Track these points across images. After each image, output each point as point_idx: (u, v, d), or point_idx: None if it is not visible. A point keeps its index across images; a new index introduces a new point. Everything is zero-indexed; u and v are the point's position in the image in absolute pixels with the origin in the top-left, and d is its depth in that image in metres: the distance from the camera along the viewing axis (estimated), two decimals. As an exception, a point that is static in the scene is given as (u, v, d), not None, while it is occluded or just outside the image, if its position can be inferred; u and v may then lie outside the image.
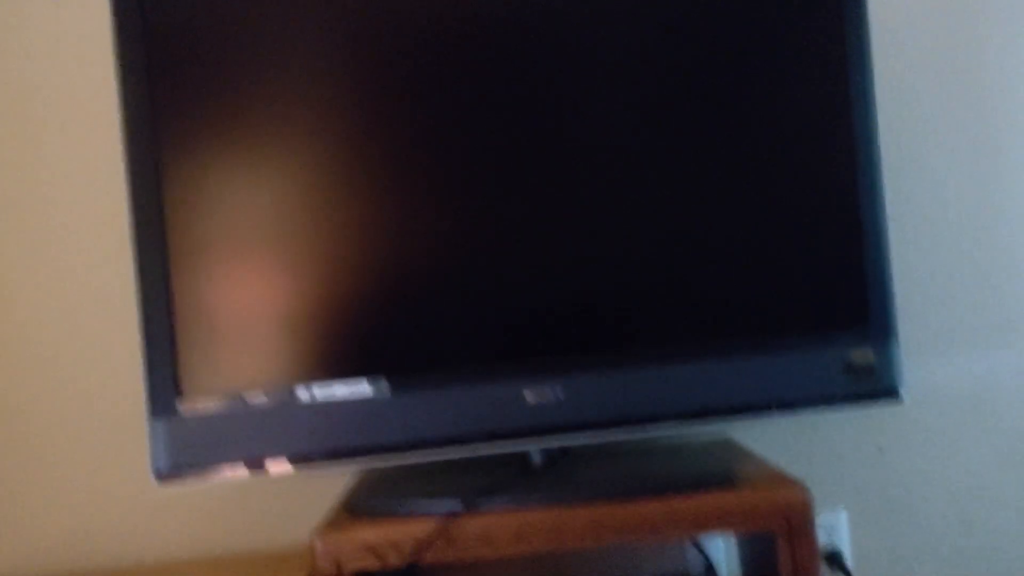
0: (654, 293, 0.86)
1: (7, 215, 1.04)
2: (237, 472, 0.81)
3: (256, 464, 0.82)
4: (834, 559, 1.07)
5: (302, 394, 0.82)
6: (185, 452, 0.81)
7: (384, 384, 0.83)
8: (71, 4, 1.04)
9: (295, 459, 0.82)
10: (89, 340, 1.04)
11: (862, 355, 0.87)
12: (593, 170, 0.85)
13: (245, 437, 0.82)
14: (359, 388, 0.83)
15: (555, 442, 0.84)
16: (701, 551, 1.04)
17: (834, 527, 1.08)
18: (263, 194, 0.83)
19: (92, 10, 1.05)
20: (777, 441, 1.09)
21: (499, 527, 0.78)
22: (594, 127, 0.86)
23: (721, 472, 0.83)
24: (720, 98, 0.87)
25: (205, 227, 0.82)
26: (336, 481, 1.06)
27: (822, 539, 1.07)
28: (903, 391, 0.87)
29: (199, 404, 0.82)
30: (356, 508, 0.83)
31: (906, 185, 1.10)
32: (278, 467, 0.82)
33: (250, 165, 0.83)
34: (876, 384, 0.87)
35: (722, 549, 1.06)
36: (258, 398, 0.82)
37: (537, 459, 0.88)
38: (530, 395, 0.84)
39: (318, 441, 0.82)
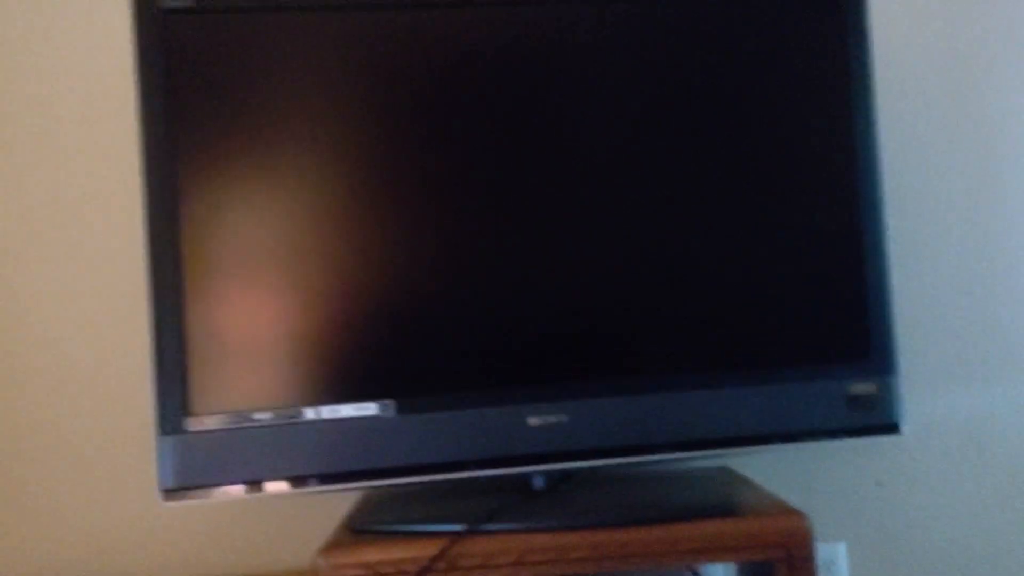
0: (658, 322, 0.87)
1: (23, 230, 1.05)
2: (242, 491, 0.82)
3: (261, 484, 0.82)
4: (833, 591, 1.07)
5: (309, 415, 0.83)
6: (192, 470, 0.82)
7: (390, 407, 0.84)
8: (94, 25, 1.07)
9: (300, 480, 0.83)
10: (98, 357, 1.05)
11: (863, 388, 0.88)
12: (598, 200, 0.87)
13: (251, 457, 0.82)
14: (365, 411, 0.84)
15: (557, 468, 0.85)
16: (700, 580, 1.04)
17: (832, 560, 1.08)
18: (276, 219, 0.84)
19: (114, 32, 1.07)
20: (776, 472, 1.10)
21: (500, 550, 0.79)
22: (599, 157, 0.87)
23: (722, 500, 0.83)
24: (724, 130, 0.88)
25: (219, 249, 0.84)
26: (340, 501, 1.06)
27: (820, 572, 1.07)
28: (903, 425, 0.88)
29: (207, 423, 0.83)
30: (360, 529, 0.84)
31: (908, 219, 1.11)
32: (283, 487, 0.82)
33: (264, 191, 0.84)
34: (877, 417, 0.87)
35: (721, 579, 1.07)
36: (265, 419, 0.83)
37: (539, 483, 0.89)
38: (534, 420, 0.85)
39: (323, 462, 0.83)
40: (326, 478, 0.83)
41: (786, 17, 0.90)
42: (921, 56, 1.12)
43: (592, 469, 1.00)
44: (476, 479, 0.96)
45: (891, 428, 0.88)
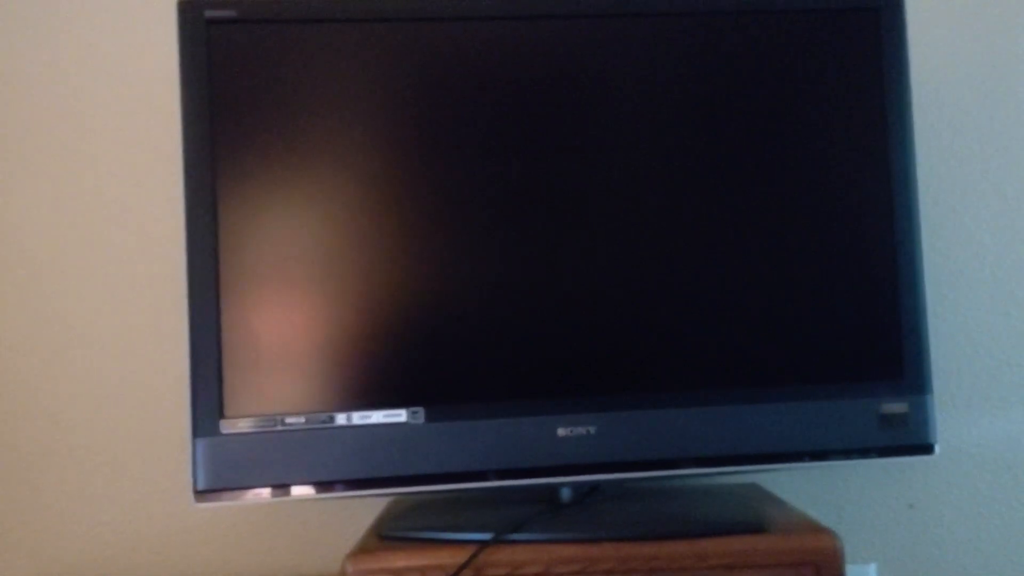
0: (690, 337, 0.87)
1: (63, 235, 1.07)
2: (273, 494, 0.83)
3: (291, 487, 0.83)
4: (862, 613, 1.06)
5: (340, 421, 0.84)
6: (224, 472, 0.83)
7: (419, 415, 0.84)
8: (137, 34, 1.09)
9: (330, 485, 0.83)
10: (134, 360, 1.07)
11: (896, 407, 0.87)
12: (634, 215, 0.87)
13: (282, 460, 0.83)
14: (395, 417, 0.84)
15: (585, 480, 0.85)
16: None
17: (863, 581, 1.07)
18: (312, 228, 0.85)
19: (157, 42, 1.09)
20: (805, 491, 1.09)
21: (527, 560, 0.79)
22: (634, 173, 0.88)
23: (751, 517, 0.83)
24: (758, 146, 0.88)
25: (255, 256, 0.85)
26: (368, 507, 1.07)
27: (850, 593, 1.06)
28: (936, 446, 0.87)
29: (240, 426, 0.84)
30: (387, 535, 0.84)
31: (944, 237, 1.10)
32: (313, 491, 0.83)
33: (301, 200, 0.86)
34: (909, 437, 0.87)
35: (748, 597, 1.06)
36: (297, 423, 0.84)
37: (566, 495, 0.89)
38: (562, 431, 0.85)
39: (353, 468, 0.83)
40: (355, 484, 0.83)
41: (822, 34, 0.90)
42: (957, 72, 1.11)
43: (620, 482, 1.00)
44: (503, 489, 0.97)
45: (924, 448, 0.87)
